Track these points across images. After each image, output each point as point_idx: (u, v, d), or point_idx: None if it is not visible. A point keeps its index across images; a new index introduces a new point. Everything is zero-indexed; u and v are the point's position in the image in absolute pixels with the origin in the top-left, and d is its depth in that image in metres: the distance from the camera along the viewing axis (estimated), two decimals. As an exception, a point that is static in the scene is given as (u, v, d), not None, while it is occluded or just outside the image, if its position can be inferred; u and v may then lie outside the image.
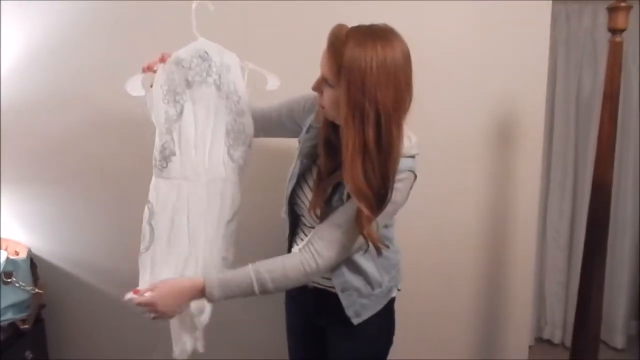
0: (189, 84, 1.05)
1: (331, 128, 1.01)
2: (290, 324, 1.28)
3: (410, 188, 1.02)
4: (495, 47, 1.46)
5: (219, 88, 1.08)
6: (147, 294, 0.95)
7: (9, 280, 1.34)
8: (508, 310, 1.64)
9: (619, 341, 2.25)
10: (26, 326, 1.38)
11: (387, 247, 1.05)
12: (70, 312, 1.58)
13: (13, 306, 1.35)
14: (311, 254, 0.97)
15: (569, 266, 2.26)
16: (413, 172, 0.99)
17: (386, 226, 1.08)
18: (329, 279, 1.09)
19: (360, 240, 0.97)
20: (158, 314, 0.96)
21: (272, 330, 1.33)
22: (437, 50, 1.44)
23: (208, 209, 1.10)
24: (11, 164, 1.48)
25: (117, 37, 1.42)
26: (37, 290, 1.40)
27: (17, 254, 1.42)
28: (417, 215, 1.51)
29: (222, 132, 1.10)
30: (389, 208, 0.95)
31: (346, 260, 1.05)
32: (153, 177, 1.07)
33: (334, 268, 1.05)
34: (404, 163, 0.96)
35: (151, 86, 1.03)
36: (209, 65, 1.06)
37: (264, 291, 0.97)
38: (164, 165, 1.06)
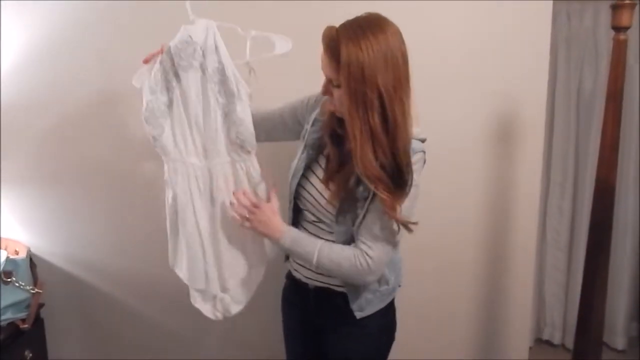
0: (179, 70, 1.09)
1: (336, 120, 1.05)
2: (288, 327, 1.28)
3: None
4: (495, 47, 1.46)
5: (204, 71, 1.09)
6: (257, 200, 1.11)
7: (9, 279, 1.33)
8: (508, 311, 1.64)
9: (619, 343, 2.24)
10: (26, 326, 1.38)
11: (412, 228, 1.04)
12: (69, 312, 1.58)
13: (13, 306, 1.35)
14: (361, 251, 1.01)
15: (569, 267, 2.25)
16: (424, 153, 1.02)
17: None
18: (331, 276, 1.09)
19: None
20: (249, 218, 1.09)
21: (271, 330, 1.32)
22: (437, 50, 1.43)
23: (216, 189, 1.15)
24: (11, 164, 1.48)
25: (117, 37, 1.41)
26: (36, 289, 1.40)
27: (16, 253, 1.41)
28: (417, 215, 1.50)
29: (217, 115, 1.12)
30: (413, 191, 0.98)
31: None
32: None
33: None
34: (415, 145, 0.99)
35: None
36: (194, 49, 1.08)
37: (319, 266, 1.04)
38: (161, 149, 1.14)
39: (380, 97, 0.90)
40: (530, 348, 2.13)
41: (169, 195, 1.15)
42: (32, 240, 1.51)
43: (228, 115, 1.12)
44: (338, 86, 0.95)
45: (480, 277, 1.61)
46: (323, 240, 1.05)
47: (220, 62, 1.08)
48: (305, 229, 1.14)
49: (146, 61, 1.10)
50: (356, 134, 0.92)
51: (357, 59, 0.89)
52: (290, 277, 1.23)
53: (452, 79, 1.46)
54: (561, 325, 2.29)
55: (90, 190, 1.50)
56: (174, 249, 1.19)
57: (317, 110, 1.11)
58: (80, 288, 1.56)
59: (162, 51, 1.09)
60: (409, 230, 1.00)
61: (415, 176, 0.98)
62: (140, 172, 1.48)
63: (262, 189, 1.16)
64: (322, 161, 1.10)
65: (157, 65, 1.09)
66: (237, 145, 1.14)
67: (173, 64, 1.08)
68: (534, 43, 1.47)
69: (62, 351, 1.59)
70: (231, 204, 1.12)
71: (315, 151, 1.11)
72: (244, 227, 1.10)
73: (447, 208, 1.54)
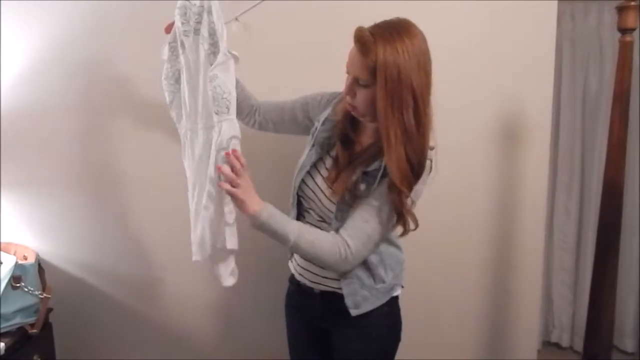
0: (182, 37, 1.09)
1: (349, 122, 1.07)
2: (293, 331, 1.27)
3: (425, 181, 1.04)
4: (500, 47, 1.46)
5: (199, 33, 1.08)
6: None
7: (18, 285, 1.34)
8: (515, 313, 1.63)
9: (629, 345, 2.22)
10: (34, 330, 1.38)
11: (417, 225, 1.03)
12: (77, 316, 1.59)
13: (21, 310, 1.36)
14: (342, 240, 1.00)
15: (577, 268, 2.24)
16: (431, 161, 1.03)
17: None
18: (337, 279, 1.10)
19: (386, 231, 1.02)
20: (234, 188, 0.99)
21: (273, 331, 1.32)
22: (442, 51, 1.40)
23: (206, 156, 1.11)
24: (18, 169, 1.49)
25: (120, 39, 1.42)
26: (44, 294, 1.40)
27: (25, 258, 1.42)
28: (423, 216, 1.49)
29: (207, 73, 1.08)
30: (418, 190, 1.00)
31: None
32: None
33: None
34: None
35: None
36: (193, 12, 1.07)
37: (296, 246, 1.00)
38: (173, 115, 1.17)
39: (415, 98, 0.93)
40: (538, 350, 2.11)
41: None
42: (41, 245, 1.52)
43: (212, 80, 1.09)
44: (366, 86, 0.96)
45: (487, 278, 1.60)
46: (300, 222, 1.04)
47: (212, 22, 1.06)
48: None
49: (167, 30, 1.12)
50: (391, 136, 0.93)
51: (395, 61, 0.91)
52: (294, 281, 1.23)
53: (458, 80, 1.45)
54: (569, 327, 2.28)
55: (98, 195, 1.51)
56: None
57: (329, 110, 1.12)
58: (88, 293, 1.57)
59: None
60: (406, 228, 1.01)
61: (420, 186, 1.00)
62: (147, 175, 1.49)
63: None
64: (328, 161, 1.11)
65: (170, 35, 1.12)
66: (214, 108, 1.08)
67: (181, 30, 1.09)
68: (539, 43, 1.46)
69: (70, 355, 1.59)
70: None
71: (323, 150, 1.11)
72: (227, 190, 1.00)
73: (453, 209, 1.53)
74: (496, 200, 1.56)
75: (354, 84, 0.98)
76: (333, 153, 1.10)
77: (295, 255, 1.19)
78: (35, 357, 1.39)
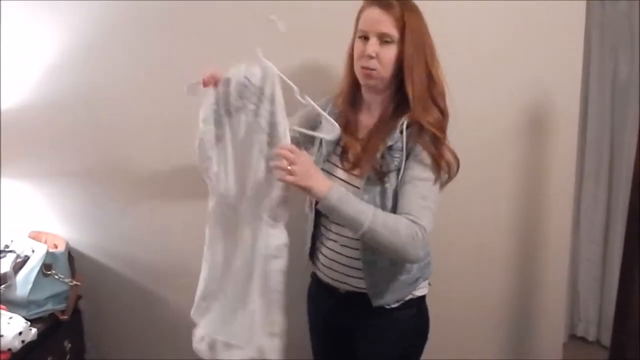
0: (230, 108, 1.04)
1: (350, 107, 1.10)
2: (314, 327, 1.27)
3: None
4: (528, 34, 1.42)
5: (256, 117, 1.02)
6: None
7: (49, 272, 1.38)
8: (541, 307, 1.60)
9: (659, 338, 2.16)
10: (65, 317, 1.42)
11: (458, 161, 1.07)
12: (105, 303, 1.63)
13: (52, 297, 1.40)
14: (413, 221, 0.96)
15: (604, 260, 2.18)
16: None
17: None
18: (361, 278, 1.08)
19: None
20: (291, 167, 0.93)
21: (295, 329, 1.31)
22: (469, 37, 1.40)
23: (239, 238, 1.09)
24: (51, 159, 1.53)
25: (147, 36, 1.44)
26: (74, 282, 1.45)
27: (56, 247, 1.47)
28: (448, 207, 1.45)
29: (260, 167, 1.03)
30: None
31: None
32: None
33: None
34: None
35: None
36: (252, 93, 1.01)
37: (371, 230, 0.93)
38: (207, 179, 1.10)
39: (432, 49, 1.03)
40: (564, 345, 2.07)
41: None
42: (71, 234, 1.57)
43: (270, 171, 1.03)
44: (391, 42, 1.00)
45: (513, 270, 1.58)
46: (373, 207, 0.98)
47: (273, 113, 1.00)
48: (329, 229, 1.12)
49: (207, 83, 1.04)
50: (415, 79, 1.00)
51: (417, 18, 1.02)
52: (316, 278, 1.22)
53: (485, 67, 1.43)
54: (596, 321, 2.22)
55: (128, 185, 1.54)
56: None
57: (330, 107, 1.13)
58: (116, 280, 1.61)
59: (216, 82, 1.03)
60: (451, 175, 1.04)
61: None
62: (175, 168, 1.51)
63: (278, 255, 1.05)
64: (339, 151, 1.11)
65: (210, 98, 1.04)
66: (267, 208, 1.03)
67: (227, 101, 1.04)
68: (568, 29, 1.42)
69: (98, 341, 1.64)
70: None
71: (332, 145, 1.11)
72: (285, 182, 0.96)
73: (479, 200, 1.51)
74: (522, 190, 1.52)
75: (377, 43, 1.01)
76: (343, 142, 1.09)
77: (319, 255, 1.16)
78: (65, 343, 1.43)
